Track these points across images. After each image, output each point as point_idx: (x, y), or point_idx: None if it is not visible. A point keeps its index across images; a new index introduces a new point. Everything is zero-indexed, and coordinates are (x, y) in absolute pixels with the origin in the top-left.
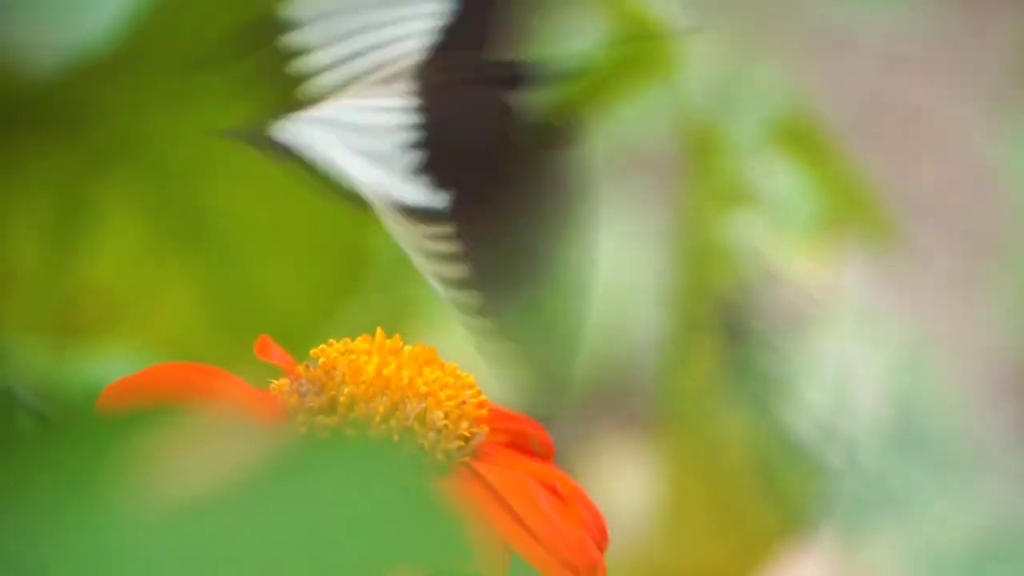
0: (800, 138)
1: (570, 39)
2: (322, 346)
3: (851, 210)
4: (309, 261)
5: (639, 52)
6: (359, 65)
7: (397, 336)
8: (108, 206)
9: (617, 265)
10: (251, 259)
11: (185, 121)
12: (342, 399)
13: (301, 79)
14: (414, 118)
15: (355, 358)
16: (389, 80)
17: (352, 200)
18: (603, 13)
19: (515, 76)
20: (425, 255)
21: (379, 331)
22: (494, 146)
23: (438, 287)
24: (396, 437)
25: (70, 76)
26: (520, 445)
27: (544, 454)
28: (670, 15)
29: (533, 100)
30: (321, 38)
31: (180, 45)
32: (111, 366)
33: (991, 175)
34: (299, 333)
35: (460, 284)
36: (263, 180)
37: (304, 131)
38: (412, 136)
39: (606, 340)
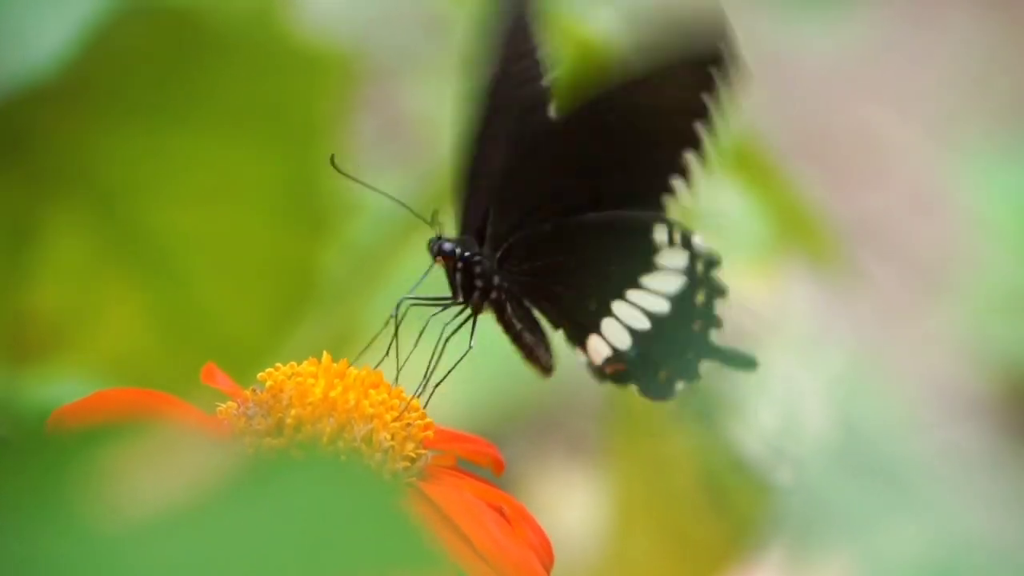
0: (746, 161)
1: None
2: (269, 370)
3: (796, 232)
4: (255, 282)
5: (585, 75)
6: None
7: (343, 360)
8: (53, 230)
9: None
10: (196, 281)
11: (128, 146)
12: (289, 421)
13: None
14: None
15: (302, 381)
16: None
17: None
18: (552, 38)
19: None
20: None
21: (325, 355)
22: None
23: None
24: (343, 458)
25: (15, 103)
26: (463, 472)
27: (495, 470)
28: (615, 38)
29: None
30: None
31: (123, 72)
32: (59, 387)
33: (936, 198)
34: (246, 353)
35: None
36: (208, 203)
37: None
38: None
39: (554, 361)
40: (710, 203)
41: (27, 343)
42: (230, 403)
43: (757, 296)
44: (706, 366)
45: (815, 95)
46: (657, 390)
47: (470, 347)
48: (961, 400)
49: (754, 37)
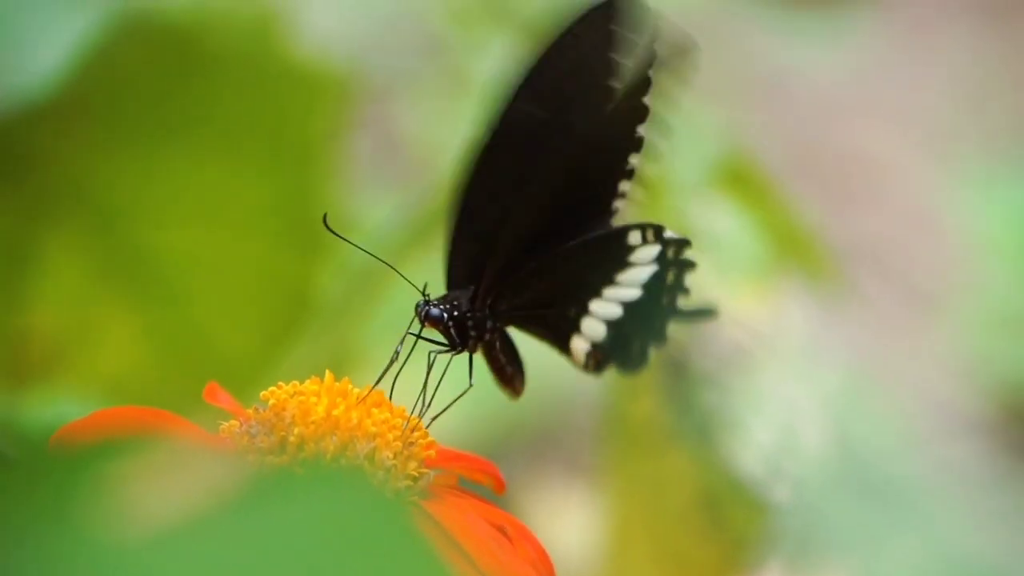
0: (742, 181)
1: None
2: (272, 388)
3: (793, 251)
4: (252, 303)
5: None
6: None
7: (346, 379)
8: (52, 250)
9: None
10: (194, 301)
11: (126, 166)
12: (292, 439)
13: None
14: None
15: (304, 399)
16: None
17: None
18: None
19: None
20: None
21: (328, 373)
22: None
23: None
24: (349, 474)
25: (13, 123)
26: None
27: (496, 489)
28: None
29: None
30: None
31: (120, 92)
32: (59, 407)
33: (932, 217)
34: (242, 373)
35: None
36: (205, 223)
37: None
38: None
39: (551, 379)
40: (706, 222)
41: (26, 364)
42: (233, 421)
43: (754, 315)
44: (675, 330)
45: (812, 115)
46: (632, 363)
47: (470, 385)
48: (958, 418)
49: (751, 58)
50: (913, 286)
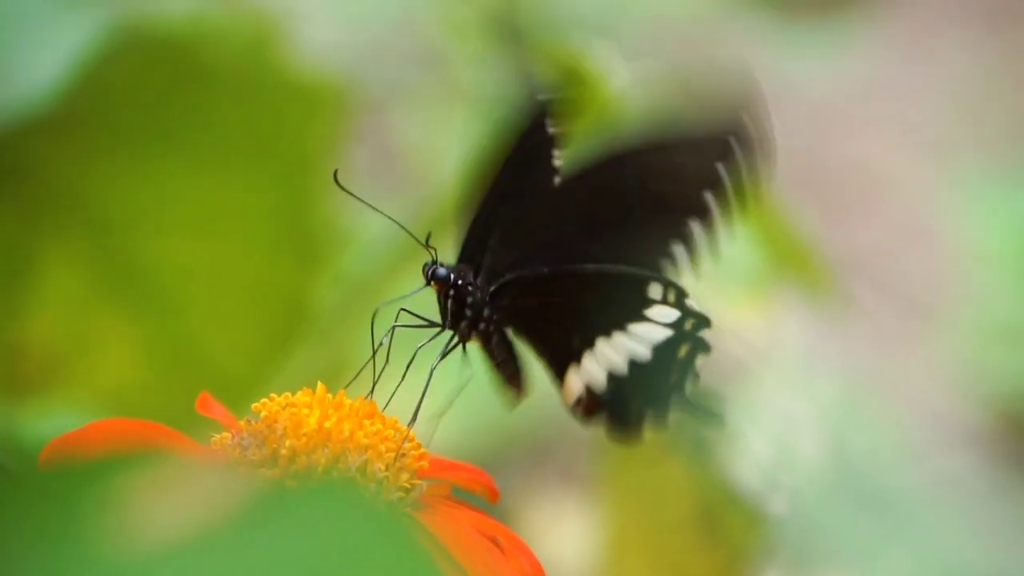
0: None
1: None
2: (263, 400)
3: (790, 262)
4: (249, 314)
5: (578, 103)
6: None
7: (341, 391)
8: (48, 262)
9: None
10: (190, 313)
11: (123, 177)
12: (283, 452)
13: None
14: None
15: (296, 411)
16: None
17: None
18: (546, 66)
19: None
20: None
21: (320, 385)
22: None
23: None
24: (345, 487)
25: (10, 134)
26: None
27: (489, 499)
28: (609, 67)
29: None
30: None
31: (117, 104)
32: (56, 419)
33: (930, 228)
34: (239, 384)
35: None
36: (202, 234)
37: None
38: None
39: (547, 388)
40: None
41: (23, 375)
42: (225, 433)
43: (751, 326)
44: (676, 415)
45: (810, 127)
46: (623, 429)
47: (470, 376)
48: (954, 429)
49: (750, 67)
50: (910, 297)
